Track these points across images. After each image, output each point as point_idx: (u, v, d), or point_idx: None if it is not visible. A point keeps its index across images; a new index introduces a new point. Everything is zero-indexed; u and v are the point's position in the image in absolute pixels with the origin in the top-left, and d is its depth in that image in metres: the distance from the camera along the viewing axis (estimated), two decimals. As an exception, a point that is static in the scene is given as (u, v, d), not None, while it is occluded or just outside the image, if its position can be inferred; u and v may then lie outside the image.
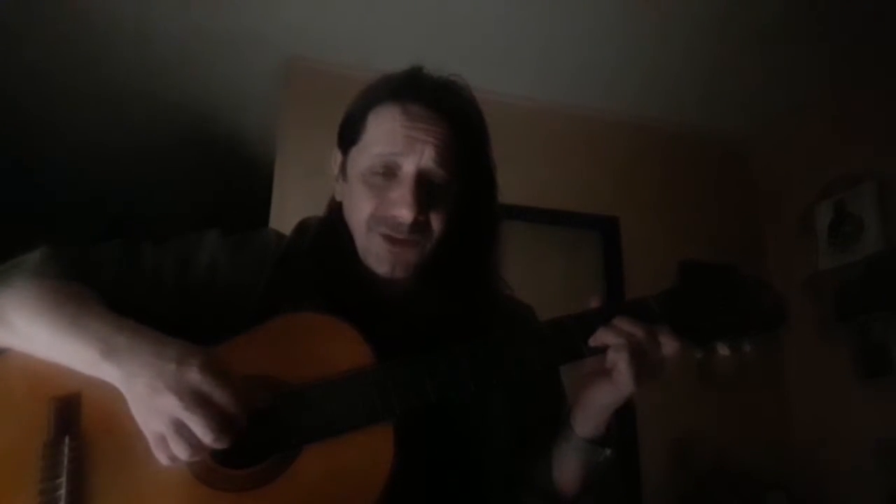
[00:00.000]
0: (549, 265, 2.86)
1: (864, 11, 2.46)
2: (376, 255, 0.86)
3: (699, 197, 3.22)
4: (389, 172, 0.85)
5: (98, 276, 0.84)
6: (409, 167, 0.84)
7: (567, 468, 0.87)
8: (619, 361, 0.77)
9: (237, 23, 2.60)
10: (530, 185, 2.78)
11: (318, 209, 0.98)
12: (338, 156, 0.93)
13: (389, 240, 0.85)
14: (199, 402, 0.69)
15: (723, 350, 0.81)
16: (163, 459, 0.71)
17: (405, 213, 0.83)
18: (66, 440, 0.74)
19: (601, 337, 0.79)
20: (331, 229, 0.92)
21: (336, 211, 0.93)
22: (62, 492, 0.72)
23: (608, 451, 0.85)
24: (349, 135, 0.90)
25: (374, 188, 0.85)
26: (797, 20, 2.51)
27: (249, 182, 3.31)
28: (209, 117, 3.31)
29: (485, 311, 0.90)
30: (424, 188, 0.84)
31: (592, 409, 0.83)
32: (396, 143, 0.84)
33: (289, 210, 2.58)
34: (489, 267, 0.95)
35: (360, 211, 0.86)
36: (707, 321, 0.81)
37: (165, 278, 0.86)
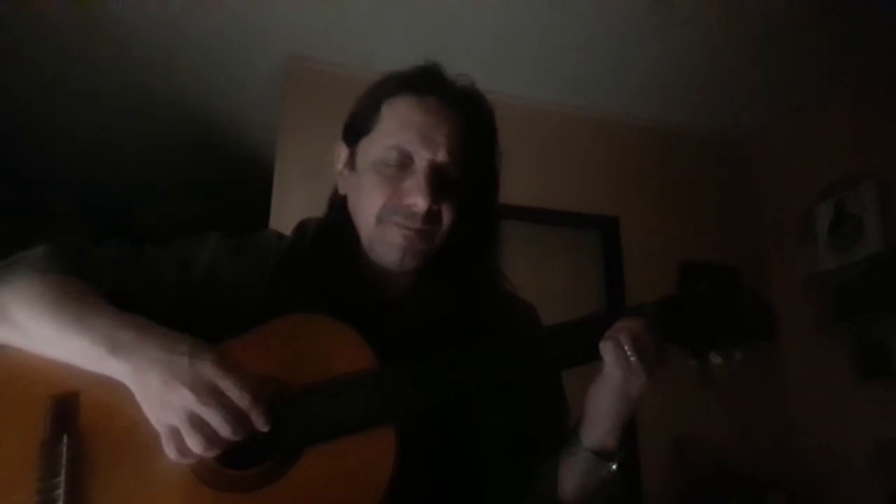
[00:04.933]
0: (549, 265, 2.86)
1: (864, 12, 2.46)
2: (389, 243, 0.85)
3: (699, 197, 3.22)
4: (403, 163, 0.84)
5: (99, 274, 0.83)
6: (423, 158, 0.84)
7: (571, 479, 0.87)
8: (605, 351, 0.78)
9: (237, 23, 2.60)
10: (530, 185, 2.78)
11: (318, 209, 0.97)
12: (342, 149, 0.92)
13: (403, 228, 0.84)
14: (214, 395, 0.69)
15: (715, 358, 0.83)
16: (172, 454, 0.70)
17: (420, 202, 0.82)
18: (64, 439, 0.74)
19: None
20: (334, 225, 0.91)
21: (339, 205, 0.92)
22: (60, 491, 0.71)
23: (613, 467, 0.84)
24: (360, 126, 0.89)
25: (386, 178, 0.84)
26: (797, 20, 2.51)
27: (249, 182, 3.31)
28: (209, 117, 3.31)
29: (487, 310, 0.90)
30: (437, 179, 0.84)
31: (595, 413, 0.84)
32: (412, 134, 0.84)
33: (289, 210, 2.57)
34: (491, 265, 0.95)
35: (370, 201, 0.85)
36: (700, 331, 0.83)
37: (166, 279, 0.86)
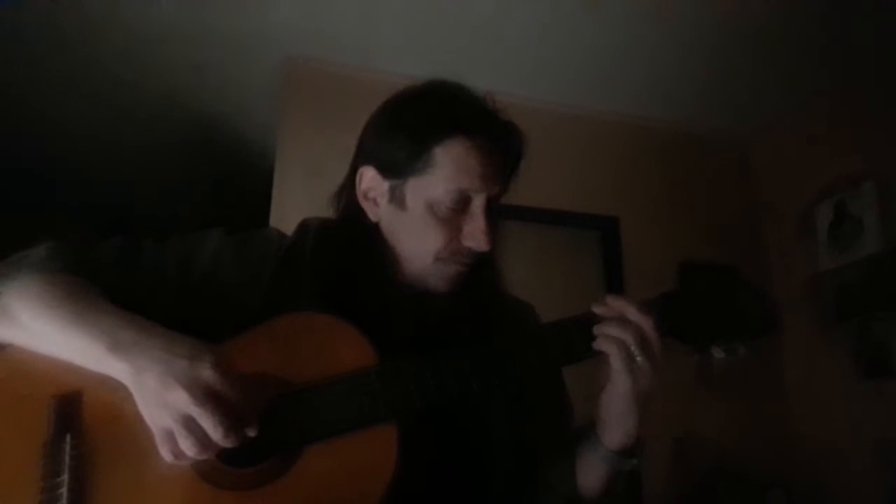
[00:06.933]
0: (549, 265, 2.86)
1: (864, 11, 2.46)
2: (443, 276, 0.88)
3: (699, 197, 3.22)
4: (461, 203, 0.86)
5: (100, 272, 0.84)
6: (480, 199, 0.86)
7: (594, 476, 0.90)
8: (611, 357, 0.79)
9: (237, 23, 2.60)
10: (530, 185, 2.76)
11: (318, 209, 0.97)
12: (372, 176, 0.89)
13: (460, 265, 0.87)
14: (209, 398, 0.69)
15: (718, 353, 0.84)
16: (167, 455, 0.71)
17: (483, 246, 0.85)
18: (68, 438, 0.74)
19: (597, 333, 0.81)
20: (364, 247, 0.90)
21: (368, 229, 0.90)
22: (63, 490, 0.72)
23: (634, 462, 0.87)
24: (406, 164, 0.86)
25: (444, 220, 0.86)
26: (796, 20, 2.52)
27: (249, 182, 3.31)
28: (209, 117, 3.31)
29: (490, 310, 0.91)
30: (491, 216, 0.87)
31: (611, 416, 0.85)
32: (472, 178, 0.85)
33: (289, 210, 2.57)
34: (493, 265, 0.96)
35: (429, 241, 0.86)
36: (702, 325, 0.83)
37: (167, 276, 0.86)
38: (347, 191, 0.94)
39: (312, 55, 2.78)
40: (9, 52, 2.79)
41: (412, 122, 0.88)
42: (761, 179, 3.34)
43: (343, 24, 2.59)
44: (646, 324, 0.79)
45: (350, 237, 0.91)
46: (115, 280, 0.83)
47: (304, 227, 0.95)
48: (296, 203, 2.56)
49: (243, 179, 3.63)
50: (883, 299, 2.61)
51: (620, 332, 0.80)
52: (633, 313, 0.80)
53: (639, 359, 0.79)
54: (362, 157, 0.92)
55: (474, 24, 2.57)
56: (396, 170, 0.88)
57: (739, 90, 3.00)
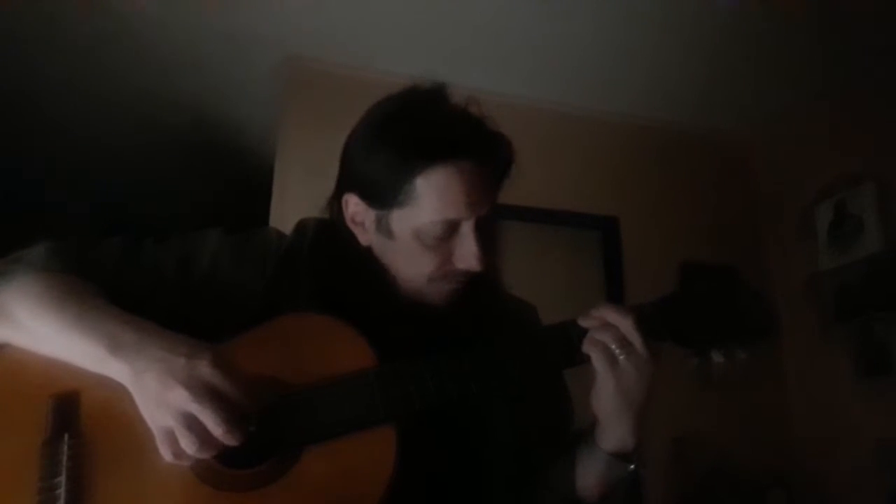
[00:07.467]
0: (549, 265, 2.86)
1: (864, 11, 2.46)
2: (440, 293, 0.86)
3: (699, 197, 3.22)
4: (450, 230, 0.83)
5: (100, 272, 0.84)
6: (470, 222, 0.83)
7: (590, 480, 0.89)
8: (593, 358, 0.79)
9: (237, 22, 2.60)
10: (530, 185, 2.73)
11: (317, 209, 0.97)
12: (357, 204, 0.88)
13: (455, 283, 0.86)
14: (209, 395, 0.69)
15: (717, 357, 0.84)
16: (168, 455, 0.71)
17: (475, 266, 0.83)
18: (66, 438, 0.74)
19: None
20: (358, 267, 0.89)
21: (360, 251, 0.90)
22: (61, 490, 0.72)
23: (631, 467, 0.86)
24: (389, 196, 0.83)
25: (432, 247, 0.84)
26: (797, 20, 2.51)
27: (249, 182, 3.31)
28: (209, 117, 3.31)
29: (490, 311, 0.91)
30: (482, 234, 0.84)
31: (603, 417, 0.84)
32: (458, 206, 0.81)
33: (289, 210, 2.57)
34: (492, 266, 0.95)
35: (420, 266, 0.85)
36: (701, 329, 0.83)
37: (166, 276, 0.86)
38: (336, 211, 0.92)
39: (312, 55, 2.78)
40: (8, 53, 2.79)
41: (389, 154, 0.83)
42: (761, 179, 3.34)
43: (343, 24, 2.59)
44: (624, 324, 0.79)
45: (343, 256, 0.90)
46: (114, 280, 0.83)
47: (301, 227, 0.95)
48: (296, 203, 2.55)
49: (243, 179, 3.63)
50: (883, 299, 2.61)
51: (600, 334, 0.80)
52: (611, 316, 0.80)
53: (621, 358, 0.78)
54: (345, 183, 0.90)
55: (474, 24, 2.57)
56: (379, 202, 0.85)
57: (740, 91, 2.99)
